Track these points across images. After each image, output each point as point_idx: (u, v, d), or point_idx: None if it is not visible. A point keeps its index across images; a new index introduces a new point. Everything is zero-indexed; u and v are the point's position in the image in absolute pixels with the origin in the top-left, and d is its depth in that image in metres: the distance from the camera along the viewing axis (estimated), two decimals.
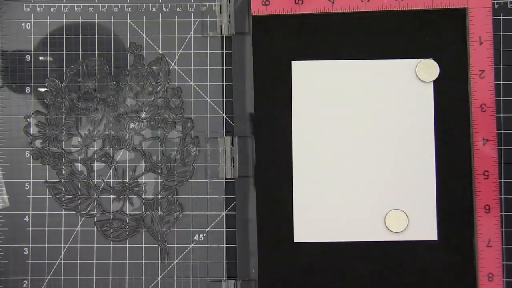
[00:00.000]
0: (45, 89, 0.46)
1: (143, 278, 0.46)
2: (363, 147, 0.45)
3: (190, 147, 0.46)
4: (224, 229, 0.46)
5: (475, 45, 0.45)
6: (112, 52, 0.47)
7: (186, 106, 0.46)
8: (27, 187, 0.46)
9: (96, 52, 0.47)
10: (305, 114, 0.45)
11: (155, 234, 0.46)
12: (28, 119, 0.46)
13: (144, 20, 0.47)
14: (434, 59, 0.45)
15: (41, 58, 0.47)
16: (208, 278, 0.46)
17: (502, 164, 0.45)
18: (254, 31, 0.46)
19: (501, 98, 0.45)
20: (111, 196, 0.46)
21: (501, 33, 0.46)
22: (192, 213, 0.46)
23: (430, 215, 0.45)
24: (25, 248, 0.46)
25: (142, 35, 0.47)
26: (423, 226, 0.45)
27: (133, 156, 0.46)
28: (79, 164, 0.46)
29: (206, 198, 0.46)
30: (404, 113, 0.45)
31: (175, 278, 0.46)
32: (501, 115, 0.45)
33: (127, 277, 0.46)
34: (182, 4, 0.47)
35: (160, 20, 0.47)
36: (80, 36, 0.47)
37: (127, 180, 0.46)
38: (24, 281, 0.46)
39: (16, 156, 0.46)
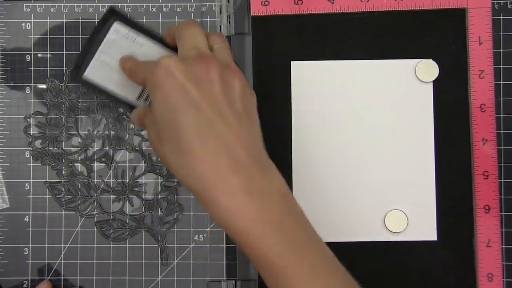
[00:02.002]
0: (45, 86, 0.46)
1: (143, 278, 0.46)
2: (362, 147, 0.45)
3: None
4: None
5: (474, 45, 0.45)
6: None
7: None
8: (27, 187, 0.46)
9: None
10: (304, 114, 0.45)
11: (155, 234, 0.46)
12: (28, 120, 0.46)
13: (144, 20, 0.47)
14: (433, 59, 0.45)
15: (39, 55, 0.47)
16: (208, 278, 0.46)
17: (502, 164, 0.45)
18: (253, 32, 0.46)
19: (501, 98, 0.45)
20: (111, 197, 0.46)
21: (501, 33, 0.46)
22: (192, 213, 0.46)
23: (430, 215, 0.45)
24: (25, 248, 0.46)
25: None
26: (422, 226, 0.45)
27: (133, 157, 0.46)
28: (79, 164, 0.46)
29: None
30: (403, 113, 0.45)
31: (175, 278, 0.46)
32: (501, 115, 0.45)
33: (127, 277, 0.46)
34: (182, 4, 0.47)
35: (160, 20, 0.47)
36: (80, 36, 0.47)
37: (127, 181, 0.46)
38: (24, 281, 0.46)
39: (16, 156, 0.46)
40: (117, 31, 0.40)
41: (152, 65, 0.36)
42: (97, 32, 0.40)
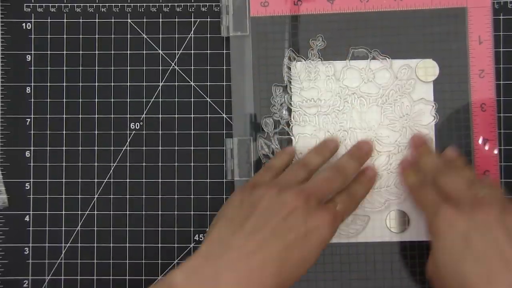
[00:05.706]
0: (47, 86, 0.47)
1: (143, 278, 0.46)
2: None
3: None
4: None
5: (474, 45, 0.44)
6: (112, 52, 0.47)
7: (186, 105, 0.46)
8: (27, 187, 0.46)
9: (96, 52, 0.47)
10: (304, 114, 0.45)
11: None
12: (28, 120, 0.46)
13: (145, 20, 0.47)
14: (433, 59, 0.45)
15: (39, 55, 0.47)
16: None
17: (502, 164, 0.45)
18: (253, 32, 0.46)
19: (501, 98, 0.45)
20: (111, 197, 0.46)
21: (501, 33, 0.45)
22: (192, 213, 0.46)
23: None
24: (25, 248, 0.46)
25: (142, 35, 0.47)
26: (424, 227, 0.44)
27: None
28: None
29: (206, 198, 0.46)
30: (403, 113, 0.45)
31: None
32: (501, 115, 0.45)
33: (127, 277, 0.46)
34: (182, 4, 0.47)
35: (160, 20, 0.47)
36: (80, 36, 0.47)
37: None
38: (24, 281, 0.46)
39: (16, 156, 0.46)
40: None
41: (432, 210, 0.36)
42: None
